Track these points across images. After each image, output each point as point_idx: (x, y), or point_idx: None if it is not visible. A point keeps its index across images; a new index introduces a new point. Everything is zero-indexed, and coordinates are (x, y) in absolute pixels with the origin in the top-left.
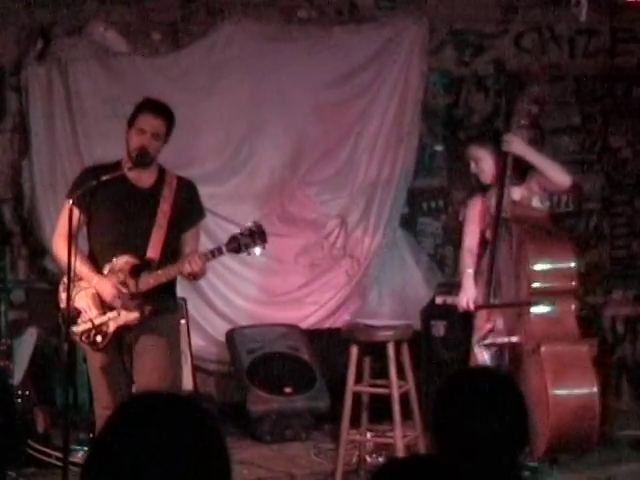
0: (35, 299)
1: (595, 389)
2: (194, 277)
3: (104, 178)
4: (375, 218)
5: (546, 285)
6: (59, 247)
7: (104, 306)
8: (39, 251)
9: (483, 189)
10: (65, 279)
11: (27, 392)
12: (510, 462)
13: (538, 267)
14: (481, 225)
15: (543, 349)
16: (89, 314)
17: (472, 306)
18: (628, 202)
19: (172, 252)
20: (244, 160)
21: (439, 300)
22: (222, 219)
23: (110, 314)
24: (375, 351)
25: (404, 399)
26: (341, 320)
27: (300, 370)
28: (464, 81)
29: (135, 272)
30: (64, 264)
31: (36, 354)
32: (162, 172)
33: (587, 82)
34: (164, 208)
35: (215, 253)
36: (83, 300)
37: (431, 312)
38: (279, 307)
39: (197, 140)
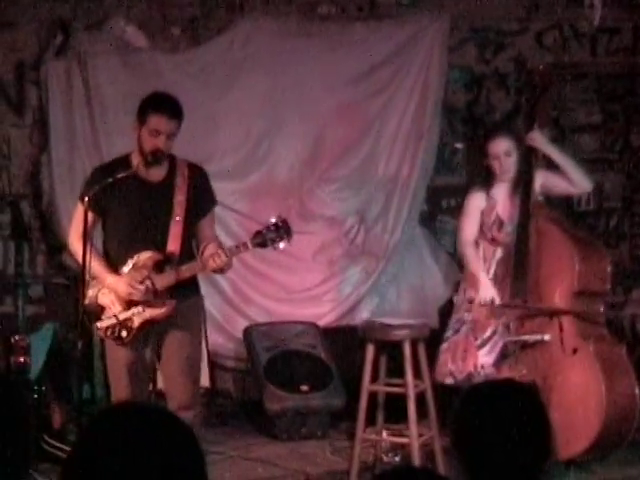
0: (53, 294)
1: (637, 391)
2: (220, 270)
3: (118, 176)
4: (394, 215)
5: (586, 287)
6: (75, 247)
7: (128, 301)
8: (58, 246)
9: (487, 185)
10: (87, 276)
11: (44, 387)
12: (534, 475)
13: (581, 269)
14: (483, 221)
15: (592, 348)
16: (113, 310)
17: (497, 300)
18: None
19: (190, 241)
20: (263, 156)
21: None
22: (240, 215)
23: (134, 309)
24: (391, 350)
25: (420, 398)
26: (359, 318)
27: (317, 368)
28: (485, 79)
29: (158, 267)
30: (81, 263)
31: (53, 349)
32: (173, 161)
33: (608, 80)
34: (179, 199)
35: (241, 248)
36: (107, 296)
37: (449, 311)
38: (297, 304)
39: (216, 136)
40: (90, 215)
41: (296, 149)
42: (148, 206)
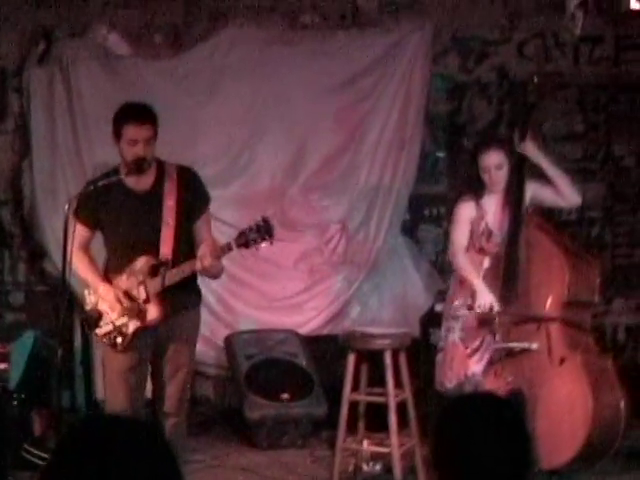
0: (34, 301)
1: (622, 403)
2: (212, 275)
3: (99, 183)
4: (376, 224)
5: (575, 297)
6: (73, 262)
7: (124, 309)
8: (39, 253)
9: (477, 195)
10: (93, 287)
11: (24, 395)
12: None
13: (571, 279)
14: (472, 231)
15: (579, 358)
16: (111, 316)
17: (495, 308)
18: (630, 211)
19: (186, 245)
20: (245, 164)
21: (439, 307)
22: (222, 223)
23: (129, 316)
24: (373, 359)
25: (401, 407)
26: (341, 326)
27: (298, 376)
28: (467, 88)
29: (154, 272)
30: (79, 275)
31: (34, 357)
32: (161, 167)
33: (591, 90)
34: (169, 205)
35: (225, 249)
36: (102, 302)
37: (430, 319)
38: (278, 312)
39: (198, 143)
40: (84, 229)
41: (278, 157)
42: (139, 215)
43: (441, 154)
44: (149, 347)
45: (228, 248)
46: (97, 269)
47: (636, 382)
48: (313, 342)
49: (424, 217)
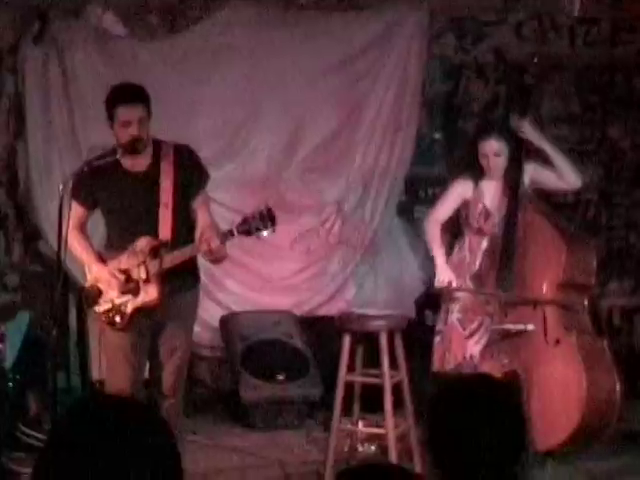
0: (29, 282)
1: (618, 386)
2: (216, 260)
3: (95, 163)
4: (372, 205)
5: (571, 279)
6: (69, 240)
7: (124, 288)
8: (33, 235)
9: (477, 176)
10: (88, 266)
11: (18, 376)
12: (510, 470)
13: (568, 261)
14: (469, 212)
15: (573, 339)
16: (110, 294)
17: (454, 283)
18: (626, 193)
19: (185, 225)
20: (240, 146)
21: (434, 289)
22: (218, 204)
23: (129, 295)
24: (368, 340)
25: (397, 389)
26: (336, 308)
27: (293, 358)
28: (464, 69)
29: (154, 253)
30: (74, 254)
31: (29, 338)
32: (158, 147)
33: (587, 72)
34: (165, 186)
35: (227, 235)
36: (102, 280)
37: (426, 301)
38: (274, 293)
39: (193, 124)
40: (80, 208)
41: (274, 138)
42: (136, 196)
43: (437, 135)
44: (148, 327)
45: (230, 234)
46: (92, 249)
47: (631, 365)
48: (309, 323)
49: (420, 198)
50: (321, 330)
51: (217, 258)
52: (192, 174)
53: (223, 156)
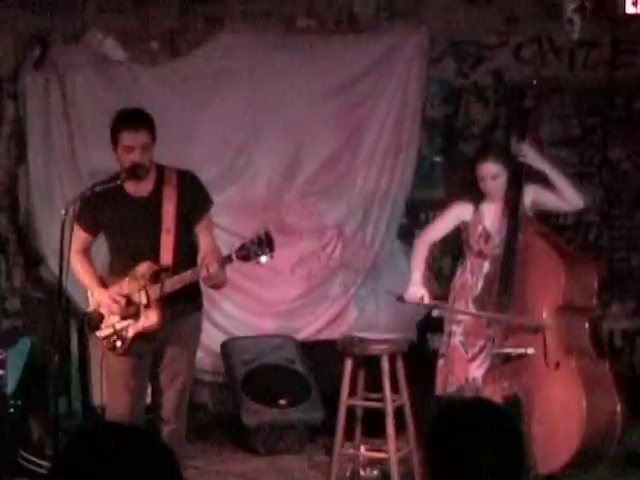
0: (30, 307)
1: (619, 408)
2: (215, 285)
3: (97, 189)
4: (373, 229)
5: (571, 302)
6: (72, 264)
7: (125, 313)
8: (34, 260)
9: (477, 199)
10: (90, 290)
11: (20, 401)
12: None
13: (568, 284)
14: (468, 235)
15: (574, 363)
16: (112, 319)
17: (427, 300)
18: (627, 215)
19: (187, 251)
20: (241, 169)
21: (436, 313)
22: (218, 229)
23: (130, 320)
24: (370, 364)
25: (399, 413)
26: (338, 332)
27: (295, 382)
28: (464, 92)
29: (155, 278)
30: (78, 277)
31: (30, 363)
32: (161, 172)
33: (587, 94)
34: (168, 210)
35: (226, 260)
36: (105, 305)
37: (427, 325)
38: (275, 318)
39: (194, 148)
40: (83, 233)
41: (274, 162)
42: (138, 221)
43: (438, 158)
44: (149, 352)
45: (229, 259)
46: (95, 273)
47: (633, 386)
48: (310, 347)
49: (421, 221)
50: (322, 354)
51: (216, 284)
52: (195, 199)
53: (223, 180)
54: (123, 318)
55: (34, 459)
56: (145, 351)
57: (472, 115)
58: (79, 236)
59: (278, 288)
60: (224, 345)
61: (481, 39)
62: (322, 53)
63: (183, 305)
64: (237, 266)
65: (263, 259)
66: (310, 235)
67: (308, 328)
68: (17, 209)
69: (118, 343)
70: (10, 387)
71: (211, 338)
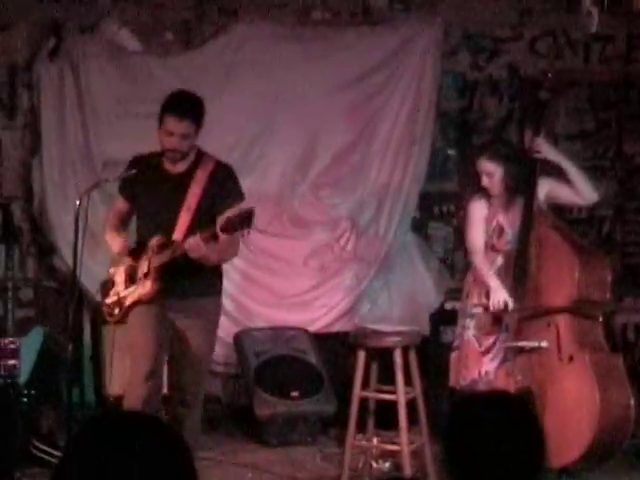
0: (43, 297)
1: (632, 402)
2: (199, 259)
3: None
4: (386, 221)
5: (585, 296)
6: (107, 231)
7: (129, 281)
8: (48, 249)
9: (487, 194)
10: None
11: (33, 391)
12: None
13: (581, 278)
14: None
15: (587, 357)
16: (118, 288)
17: (510, 305)
18: None
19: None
20: (255, 161)
21: (449, 305)
22: None
23: (130, 288)
24: (383, 356)
25: (411, 405)
26: (350, 324)
27: (307, 374)
28: (478, 85)
29: (162, 249)
30: (110, 245)
31: (43, 353)
32: (200, 156)
33: (601, 88)
34: (194, 190)
35: (210, 234)
36: (119, 275)
37: (440, 317)
38: (288, 310)
39: (208, 140)
40: (122, 202)
41: (288, 154)
42: (165, 195)
43: (451, 151)
44: (152, 317)
45: (214, 234)
46: (122, 242)
47: None
48: (323, 339)
49: (434, 214)
50: (335, 346)
51: (200, 259)
52: (225, 190)
53: (237, 171)
54: (126, 287)
55: (46, 448)
56: (147, 315)
57: (486, 108)
58: (119, 207)
59: (291, 280)
60: (237, 336)
61: (496, 32)
62: (337, 45)
63: (198, 285)
64: (251, 257)
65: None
66: (323, 227)
67: (321, 320)
68: (31, 199)
69: (116, 310)
70: (23, 377)
71: (224, 329)
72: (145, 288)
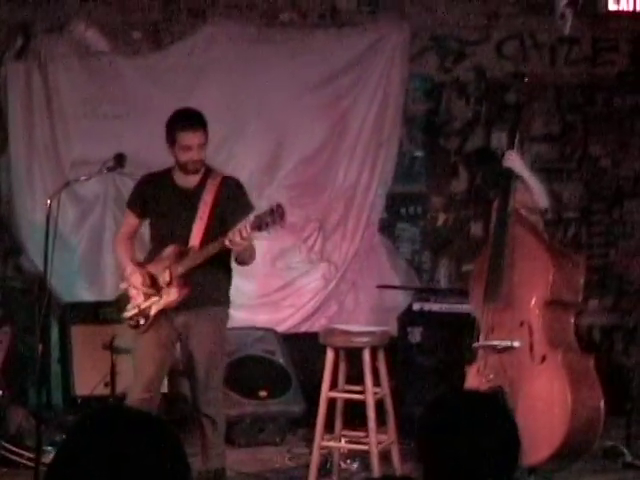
0: (10, 298)
1: (602, 404)
2: (243, 259)
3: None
4: (353, 222)
5: (558, 297)
6: (115, 245)
7: (149, 292)
8: (15, 249)
9: None
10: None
11: (0, 391)
12: None
13: (555, 279)
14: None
15: (560, 357)
16: (137, 300)
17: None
18: (606, 211)
19: (215, 240)
20: (222, 163)
21: (416, 306)
22: None
23: (153, 299)
24: (351, 357)
25: (379, 405)
26: (318, 324)
27: (275, 374)
28: (445, 87)
29: (180, 257)
30: (117, 258)
31: (10, 353)
32: (208, 172)
33: (568, 91)
34: (206, 200)
35: (242, 230)
36: (132, 288)
37: (408, 318)
38: (255, 310)
39: None
40: (131, 216)
41: (256, 155)
42: (178, 209)
43: (419, 153)
44: (172, 330)
45: (245, 230)
46: (133, 256)
47: (610, 382)
48: (291, 340)
49: (401, 216)
50: (303, 347)
51: (244, 254)
52: (234, 204)
53: None
54: (147, 298)
55: (15, 449)
56: (169, 330)
57: (453, 111)
58: (129, 221)
59: (259, 280)
60: None
61: (463, 35)
62: (304, 47)
63: (209, 294)
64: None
65: (270, 231)
66: (291, 228)
67: (288, 320)
68: None
69: (141, 321)
70: None
71: None
72: (171, 296)
